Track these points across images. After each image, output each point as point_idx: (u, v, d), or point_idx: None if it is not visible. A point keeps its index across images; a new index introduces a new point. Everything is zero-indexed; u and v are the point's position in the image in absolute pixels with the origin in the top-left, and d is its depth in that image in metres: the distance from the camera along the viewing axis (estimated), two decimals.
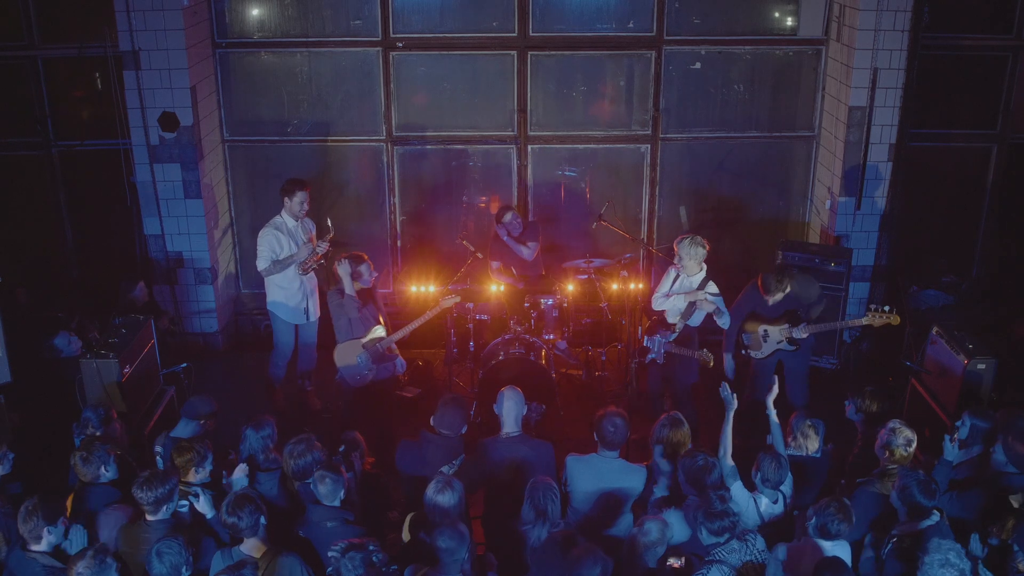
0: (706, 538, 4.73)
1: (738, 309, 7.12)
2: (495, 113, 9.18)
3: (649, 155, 9.28)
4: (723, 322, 7.02)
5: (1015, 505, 5.08)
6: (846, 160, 8.57)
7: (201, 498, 5.09)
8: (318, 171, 9.18)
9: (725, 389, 5.74)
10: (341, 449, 5.60)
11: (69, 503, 5.17)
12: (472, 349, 8.22)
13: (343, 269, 6.85)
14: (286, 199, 7.52)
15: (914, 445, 5.38)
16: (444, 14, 8.90)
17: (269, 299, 7.69)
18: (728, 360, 7.19)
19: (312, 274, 7.70)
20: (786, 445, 5.59)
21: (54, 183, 9.19)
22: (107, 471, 5.23)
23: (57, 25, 8.77)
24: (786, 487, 5.26)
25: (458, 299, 7.28)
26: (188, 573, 4.50)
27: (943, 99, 9.04)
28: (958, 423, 5.68)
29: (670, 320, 7.12)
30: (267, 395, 7.95)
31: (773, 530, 5.15)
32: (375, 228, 9.48)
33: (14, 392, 6.56)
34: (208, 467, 5.33)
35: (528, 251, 8.33)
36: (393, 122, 9.13)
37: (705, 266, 7.05)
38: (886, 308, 6.72)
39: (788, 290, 6.86)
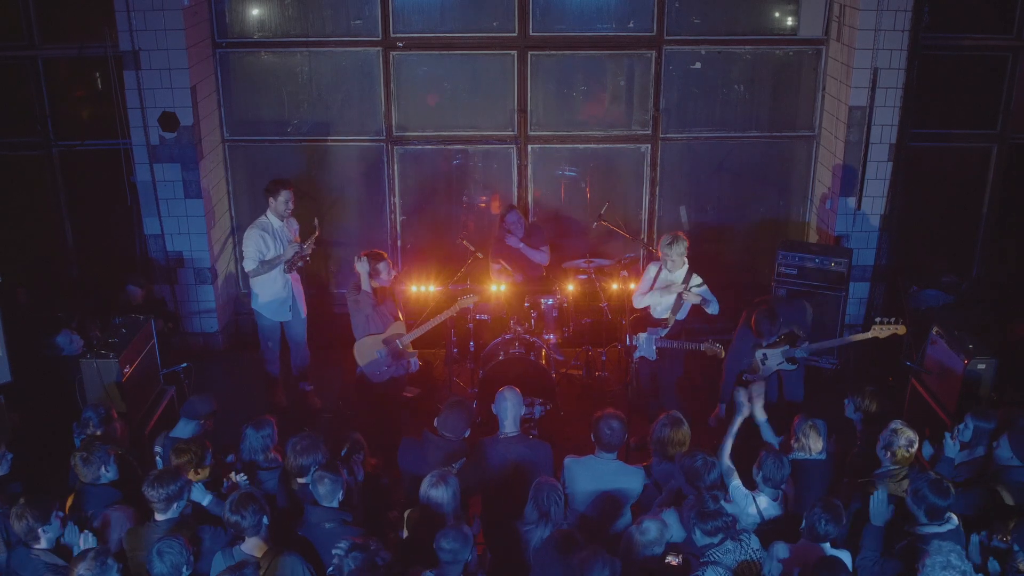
0: (700, 539, 4.72)
1: (735, 355, 7.01)
2: (495, 113, 9.17)
3: (649, 155, 9.28)
4: (712, 309, 7.14)
5: (1008, 502, 5.08)
6: (846, 160, 8.57)
7: (194, 487, 5.10)
8: (318, 171, 9.19)
9: (740, 395, 5.75)
10: (343, 453, 5.59)
11: (69, 503, 5.17)
12: (472, 349, 8.23)
13: (362, 266, 6.94)
14: (271, 199, 7.52)
15: (916, 446, 5.38)
16: (444, 14, 8.90)
17: (253, 300, 7.71)
18: (722, 410, 7.18)
19: (296, 272, 7.71)
20: (789, 448, 5.57)
21: (54, 183, 9.18)
22: (107, 472, 5.22)
23: (57, 25, 8.76)
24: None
25: (476, 299, 7.33)
26: (188, 572, 4.50)
27: (943, 99, 9.04)
28: (960, 425, 5.67)
29: (659, 316, 7.20)
30: (268, 393, 7.96)
31: (773, 530, 5.15)
32: (375, 228, 9.47)
33: (14, 392, 6.56)
34: (207, 466, 5.33)
35: (542, 255, 8.41)
36: (393, 122, 9.12)
37: (687, 261, 7.13)
38: (891, 320, 6.66)
39: (781, 322, 6.89)
